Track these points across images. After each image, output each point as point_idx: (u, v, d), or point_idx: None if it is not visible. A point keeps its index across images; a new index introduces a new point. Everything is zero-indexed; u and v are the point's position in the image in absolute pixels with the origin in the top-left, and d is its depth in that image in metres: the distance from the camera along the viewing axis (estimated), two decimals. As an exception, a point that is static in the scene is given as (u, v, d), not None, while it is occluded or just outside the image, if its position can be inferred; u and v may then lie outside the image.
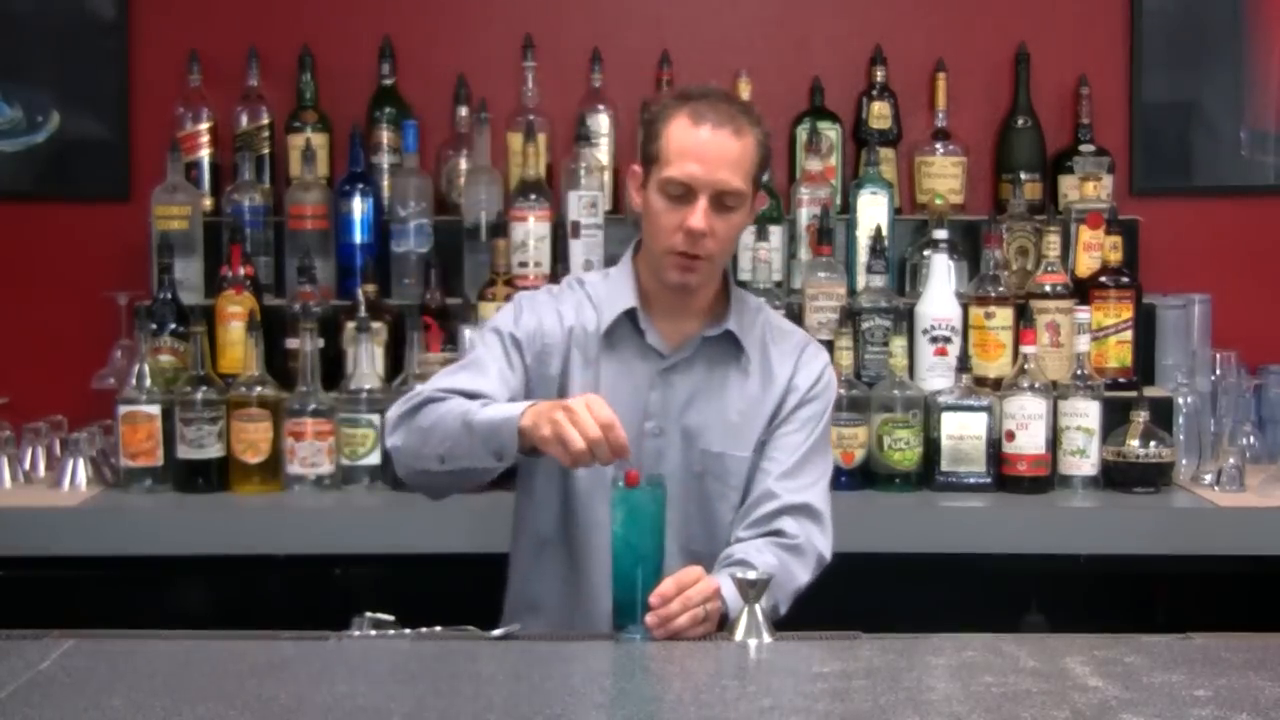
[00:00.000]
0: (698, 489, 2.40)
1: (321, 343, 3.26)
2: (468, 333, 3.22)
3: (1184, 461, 3.35)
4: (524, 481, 2.48)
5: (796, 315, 3.30)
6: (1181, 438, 3.36)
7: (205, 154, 3.63)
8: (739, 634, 2.08)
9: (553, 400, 2.27)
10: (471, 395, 2.31)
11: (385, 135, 3.63)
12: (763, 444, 2.43)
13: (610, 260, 3.12)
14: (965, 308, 3.36)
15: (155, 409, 3.20)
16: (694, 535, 2.39)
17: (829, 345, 3.27)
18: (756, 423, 2.43)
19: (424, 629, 2.13)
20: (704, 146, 2.30)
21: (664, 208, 2.33)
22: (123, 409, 3.20)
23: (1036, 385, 3.22)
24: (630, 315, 2.42)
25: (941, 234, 3.39)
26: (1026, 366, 3.23)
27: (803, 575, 2.35)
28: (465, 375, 2.36)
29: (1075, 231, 3.47)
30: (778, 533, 2.35)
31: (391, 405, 2.41)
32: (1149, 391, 3.35)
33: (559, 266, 3.36)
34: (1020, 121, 3.71)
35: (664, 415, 2.41)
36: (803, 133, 3.61)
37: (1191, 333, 3.52)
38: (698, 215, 2.30)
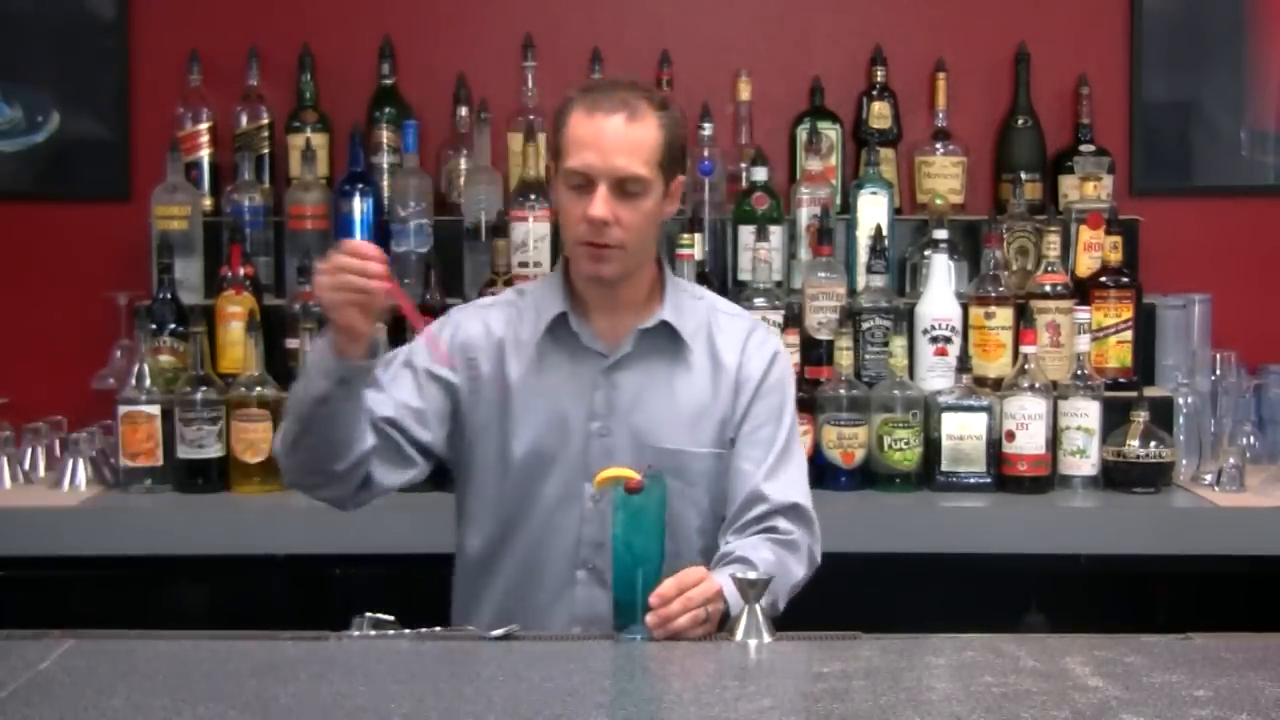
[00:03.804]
0: None
1: (321, 343, 3.26)
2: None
3: (1184, 461, 3.35)
4: (458, 503, 2.49)
5: (796, 315, 3.30)
6: (1181, 438, 3.36)
7: (205, 154, 3.63)
8: (739, 634, 2.08)
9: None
10: None
11: (385, 135, 3.63)
12: (732, 441, 2.40)
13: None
14: (965, 308, 3.36)
15: (155, 409, 3.20)
16: None
17: (829, 345, 3.29)
18: (712, 416, 2.39)
19: (424, 629, 2.13)
20: (599, 134, 2.27)
21: (569, 200, 2.31)
22: (123, 409, 3.20)
23: (1036, 385, 3.22)
24: (563, 318, 2.40)
25: (941, 234, 3.39)
26: (1026, 366, 3.23)
27: (799, 570, 2.34)
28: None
29: (1075, 231, 3.46)
30: (771, 529, 2.34)
31: None
32: (1149, 391, 3.35)
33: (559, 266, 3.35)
34: (1020, 121, 3.71)
35: (609, 415, 2.37)
36: (803, 133, 3.61)
37: (1191, 333, 3.51)
38: (597, 204, 2.27)
